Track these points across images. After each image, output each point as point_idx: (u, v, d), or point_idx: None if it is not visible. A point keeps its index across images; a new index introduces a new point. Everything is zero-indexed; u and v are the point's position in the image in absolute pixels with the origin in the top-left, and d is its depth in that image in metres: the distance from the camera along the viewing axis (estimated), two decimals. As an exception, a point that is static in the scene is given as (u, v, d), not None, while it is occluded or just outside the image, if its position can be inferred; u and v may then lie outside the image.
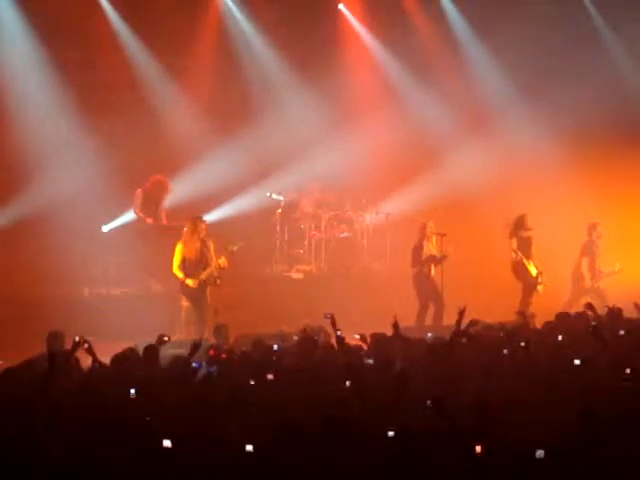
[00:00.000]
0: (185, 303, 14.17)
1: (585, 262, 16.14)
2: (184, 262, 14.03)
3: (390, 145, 18.46)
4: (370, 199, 18.26)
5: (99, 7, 17.81)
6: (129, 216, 16.77)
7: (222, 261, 14.11)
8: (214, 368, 8.98)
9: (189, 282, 13.95)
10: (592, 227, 16.24)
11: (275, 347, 9.98)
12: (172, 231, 15.31)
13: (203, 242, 14.10)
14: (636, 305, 12.59)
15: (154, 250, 15.68)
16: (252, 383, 8.36)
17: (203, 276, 13.99)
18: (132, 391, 7.69)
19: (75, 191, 16.70)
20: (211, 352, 9.72)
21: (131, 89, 17.88)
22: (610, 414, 6.93)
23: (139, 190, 16.49)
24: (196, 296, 13.99)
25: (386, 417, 7.25)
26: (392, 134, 18.64)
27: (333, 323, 10.72)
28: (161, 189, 16.54)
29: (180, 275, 14.05)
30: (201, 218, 14.48)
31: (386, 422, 7.01)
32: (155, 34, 17.90)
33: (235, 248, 14.22)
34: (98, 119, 17.37)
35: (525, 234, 15.31)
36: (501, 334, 10.99)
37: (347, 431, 6.65)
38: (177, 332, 13.73)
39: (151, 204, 16.50)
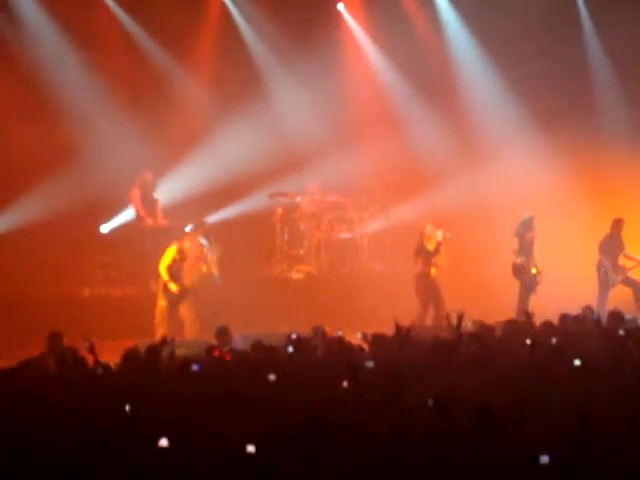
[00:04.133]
0: (162, 302, 14.17)
1: (605, 258, 16.04)
2: (174, 264, 14.03)
3: (390, 147, 18.45)
4: (370, 199, 18.24)
5: (104, 6, 17.88)
6: (128, 216, 16.78)
7: (204, 269, 14.19)
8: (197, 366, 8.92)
9: (172, 287, 13.99)
10: (616, 222, 16.16)
11: (290, 349, 9.95)
12: (171, 231, 15.32)
13: (194, 250, 14.16)
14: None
15: (154, 250, 15.66)
16: (251, 383, 8.35)
17: (187, 283, 14.03)
18: (127, 407, 7.63)
19: (81, 191, 16.73)
20: (216, 353, 9.72)
21: (132, 88, 17.91)
22: (611, 414, 6.94)
23: (135, 189, 16.48)
24: (176, 299, 14.04)
25: (385, 417, 7.25)
26: (392, 136, 18.65)
27: (324, 334, 10.75)
28: (151, 185, 16.56)
29: (165, 276, 14.05)
30: (202, 222, 14.53)
31: (385, 422, 7.02)
32: (158, 32, 17.93)
33: (204, 269, 14.30)
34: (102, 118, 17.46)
35: (529, 235, 15.41)
36: (499, 334, 11.01)
37: (345, 431, 6.65)
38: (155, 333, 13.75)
39: (149, 202, 16.51)
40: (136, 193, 16.48)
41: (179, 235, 14.57)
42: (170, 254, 14.11)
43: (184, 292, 14.10)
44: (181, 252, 14.12)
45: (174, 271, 14.06)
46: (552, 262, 16.07)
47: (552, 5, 18.50)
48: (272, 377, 8.39)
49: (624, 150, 18.59)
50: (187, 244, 14.29)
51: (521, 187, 17.99)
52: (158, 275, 14.30)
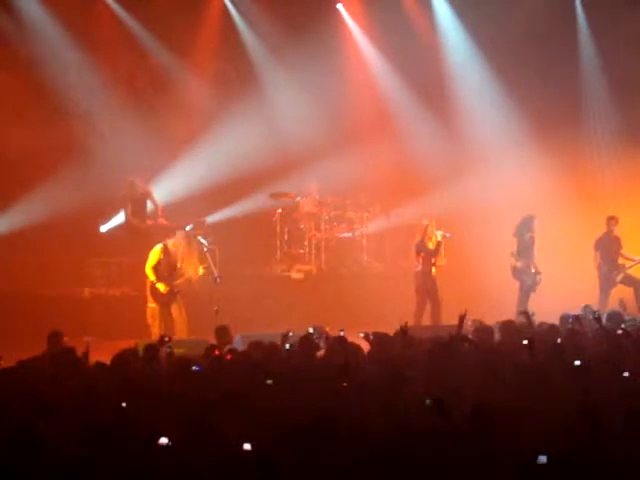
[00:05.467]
0: (151, 305, 14.14)
1: (599, 257, 16.07)
2: (159, 265, 14.03)
3: (389, 147, 18.45)
4: (370, 199, 18.25)
5: (105, 4, 17.89)
6: (123, 219, 16.70)
7: (201, 271, 14.17)
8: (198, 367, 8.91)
9: (160, 287, 13.97)
10: (608, 220, 16.18)
11: (287, 346, 9.97)
12: (171, 230, 15.30)
13: (183, 251, 14.15)
14: (621, 302, 12.74)
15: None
16: (251, 383, 8.34)
17: (176, 283, 14.02)
18: (123, 404, 7.63)
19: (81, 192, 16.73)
20: (216, 352, 9.72)
21: (132, 87, 17.92)
22: (611, 414, 6.94)
23: (124, 197, 16.38)
24: (165, 300, 14.03)
25: (385, 417, 7.25)
26: (392, 136, 18.66)
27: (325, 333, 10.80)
28: (141, 190, 16.48)
29: (152, 277, 14.04)
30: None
31: (385, 422, 7.02)
32: (158, 30, 17.94)
33: (201, 272, 14.29)
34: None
35: (528, 235, 15.46)
36: (498, 334, 11.01)
37: (345, 431, 6.65)
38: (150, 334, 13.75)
39: (141, 207, 16.43)
40: (125, 200, 16.35)
41: (167, 235, 14.56)
42: (155, 255, 14.08)
43: (173, 292, 14.07)
44: (167, 252, 14.10)
45: (161, 271, 14.05)
46: (551, 263, 16.09)
47: (550, 11, 18.50)
48: (269, 382, 8.37)
49: (616, 153, 18.67)
50: (173, 243, 14.23)
51: (519, 188, 17.99)
52: (144, 277, 14.29)
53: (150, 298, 14.16)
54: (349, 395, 8.08)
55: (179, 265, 14.20)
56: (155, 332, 13.68)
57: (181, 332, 13.91)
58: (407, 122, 19.05)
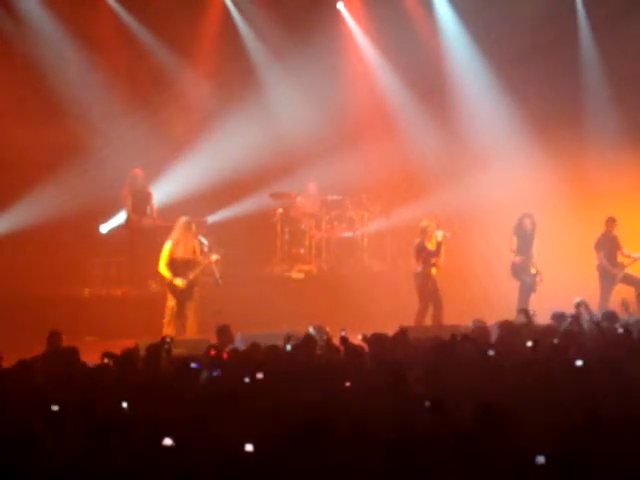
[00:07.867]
0: (170, 303, 14.09)
1: (601, 256, 16.11)
2: (172, 262, 13.97)
3: (390, 146, 18.46)
4: (370, 199, 18.25)
5: (105, 3, 17.90)
6: (122, 217, 16.71)
7: (214, 257, 14.08)
8: (218, 371, 8.89)
9: (178, 282, 13.89)
10: (608, 221, 16.24)
11: (289, 348, 9.96)
12: (167, 230, 15.27)
13: (192, 243, 14.09)
14: (623, 301, 12.74)
15: (153, 250, 15.64)
16: (251, 383, 8.33)
17: (191, 276, 13.96)
18: (124, 404, 7.62)
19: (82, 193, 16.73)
20: (212, 352, 9.70)
21: (132, 86, 17.92)
22: (611, 415, 6.93)
23: (126, 189, 16.39)
24: (184, 295, 13.97)
25: (385, 417, 7.25)
26: (392, 135, 18.66)
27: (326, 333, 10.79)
28: (141, 181, 16.45)
29: (167, 275, 13.97)
30: (192, 219, 14.45)
31: (385, 423, 7.02)
32: (158, 29, 17.93)
33: (214, 258, 14.17)
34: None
35: (528, 233, 15.49)
36: (496, 334, 11.01)
37: (345, 431, 6.65)
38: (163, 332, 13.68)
39: (141, 199, 16.42)
40: (127, 193, 16.38)
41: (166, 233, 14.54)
42: (166, 252, 14.00)
43: (191, 286, 13.98)
44: (177, 247, 14.04)
45: (176, 267, 13.97)
46: (552, 262, 16.09)
47: (552, 11, 18.49)
48: (260, 375, 8.33)
49: (613, 153, 18.71)
50: (181, 236, 14.14)
51: (520, 188, 18.00)
52: (160, 277, 14.21)
53: (169, 296, 14.05)
54: (349, 395, 8.07)
55: (191, 257, 14.09)
56: (169, 332, 13.54)
57: (191, 332, 13.85)
58: (408, 122, 19.06)
